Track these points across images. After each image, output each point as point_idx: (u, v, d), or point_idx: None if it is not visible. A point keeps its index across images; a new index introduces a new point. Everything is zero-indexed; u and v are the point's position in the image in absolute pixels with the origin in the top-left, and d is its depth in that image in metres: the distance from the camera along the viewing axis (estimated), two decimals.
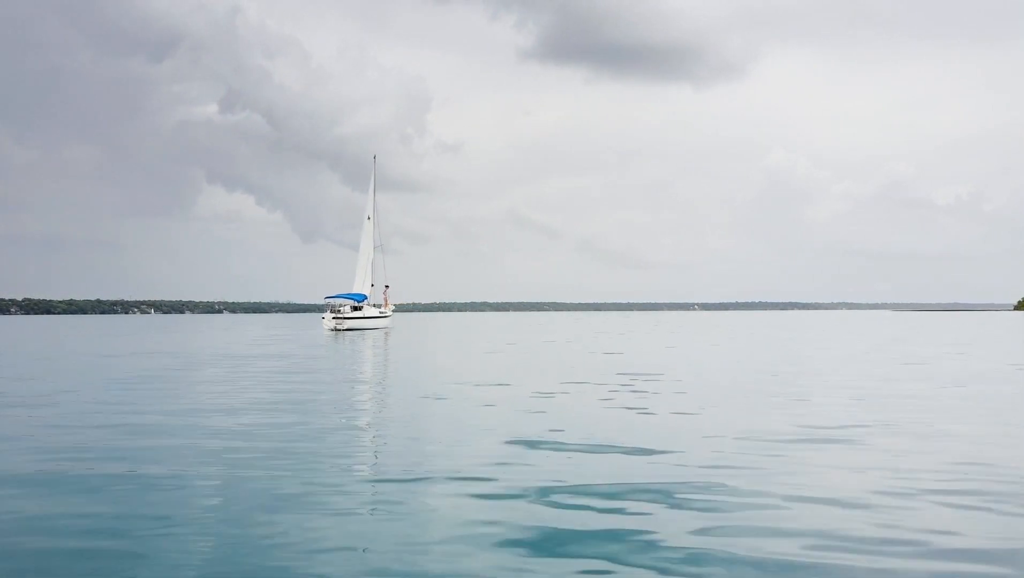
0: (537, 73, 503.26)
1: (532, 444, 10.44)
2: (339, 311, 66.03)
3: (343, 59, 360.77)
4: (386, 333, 60.90)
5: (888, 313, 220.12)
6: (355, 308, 67.91)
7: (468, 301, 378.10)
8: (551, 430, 11.59)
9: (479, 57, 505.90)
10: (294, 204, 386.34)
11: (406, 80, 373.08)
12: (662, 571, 5.59)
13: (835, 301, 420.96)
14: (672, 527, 6.61)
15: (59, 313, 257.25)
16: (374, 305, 70.30)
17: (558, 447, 10.21)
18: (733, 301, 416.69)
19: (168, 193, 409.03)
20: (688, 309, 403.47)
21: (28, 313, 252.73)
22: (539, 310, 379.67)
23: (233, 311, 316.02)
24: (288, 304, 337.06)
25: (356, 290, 71.07)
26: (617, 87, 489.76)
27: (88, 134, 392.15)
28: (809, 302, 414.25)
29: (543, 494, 7.70)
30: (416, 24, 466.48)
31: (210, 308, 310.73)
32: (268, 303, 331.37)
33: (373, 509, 7.25)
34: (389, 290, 73.54)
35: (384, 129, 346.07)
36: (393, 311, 75.13)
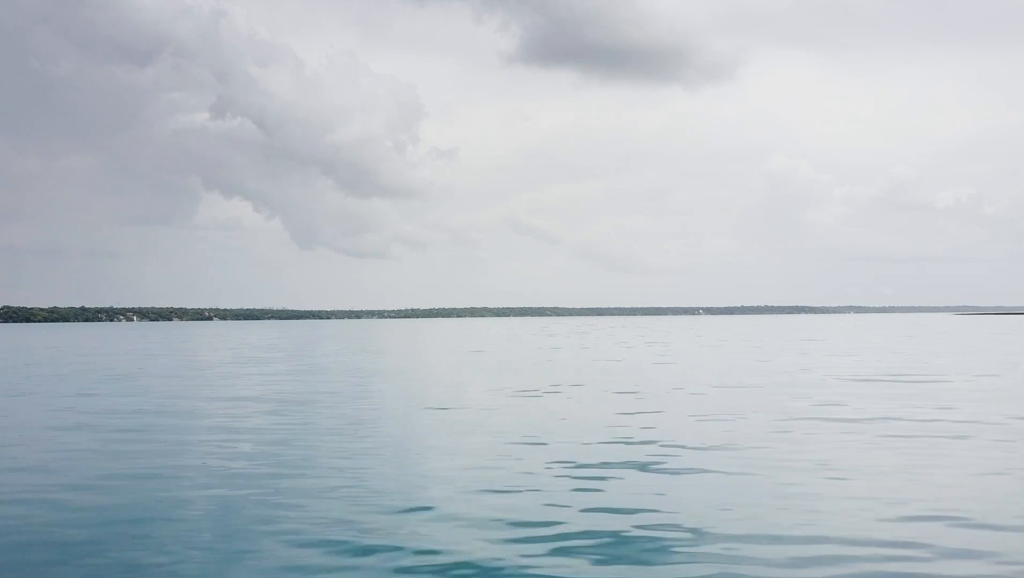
0: (525, 77, 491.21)
1: None
2: None
3: (335, 66, 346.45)
4: None
5: (949, 316, 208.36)
6: None
7: (468, 307, 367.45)
8: None
9: (468, 62, 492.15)
10: (291, 211, 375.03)
11: (399, 87, 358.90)
12: None
13: (842, 305, 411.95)
14: None
15: (39, 321, 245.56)
16: None
17: None
18: (738, 305, 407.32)
19: (167, 201, 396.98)
20: (693, 314, 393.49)
21: (7, 321, 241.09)
22: (540, 316, 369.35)
23: (224, 318, 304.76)
24: (283, 311, 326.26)
25: None
26: (608, 91, 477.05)
27: (84, 143, 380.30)
28: (816, 306, 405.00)
29: None
30: (406, 30, 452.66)
31: (199, 315, 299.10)
32: (261, 309, 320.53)
33: None
34: None
35: (378, 136, 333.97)
36: None
